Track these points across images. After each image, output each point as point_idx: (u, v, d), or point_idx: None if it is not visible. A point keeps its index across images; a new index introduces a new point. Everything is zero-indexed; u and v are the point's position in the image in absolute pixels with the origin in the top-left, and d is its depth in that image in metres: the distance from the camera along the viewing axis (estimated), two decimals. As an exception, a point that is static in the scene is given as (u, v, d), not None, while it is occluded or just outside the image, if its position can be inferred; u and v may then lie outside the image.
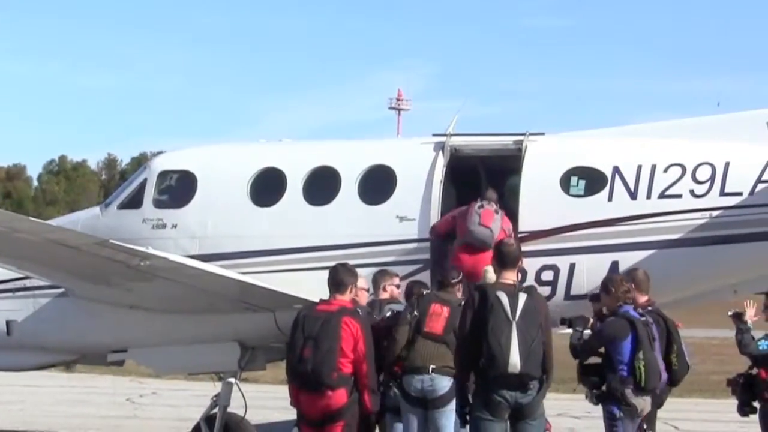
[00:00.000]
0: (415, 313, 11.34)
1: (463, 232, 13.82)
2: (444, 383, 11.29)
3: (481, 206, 13.81)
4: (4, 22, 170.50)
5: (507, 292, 10.06)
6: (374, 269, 13.26)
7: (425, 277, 13.84)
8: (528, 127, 15.07)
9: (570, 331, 12.12)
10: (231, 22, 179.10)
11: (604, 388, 11.17)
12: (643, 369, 10.94)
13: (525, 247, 13.73)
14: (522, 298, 10.08)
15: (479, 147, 14.88)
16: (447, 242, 14.13)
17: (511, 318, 9.97)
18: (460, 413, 10.50)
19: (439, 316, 11.40)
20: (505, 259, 10.34)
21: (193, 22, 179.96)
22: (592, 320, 11.65)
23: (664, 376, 11.23)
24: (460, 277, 11.86)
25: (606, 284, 11.43)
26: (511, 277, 10.26)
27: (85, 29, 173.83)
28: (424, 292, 11.88)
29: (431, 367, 11.25)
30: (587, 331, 11.66)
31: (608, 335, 11.07)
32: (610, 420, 11.10)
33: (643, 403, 11.12)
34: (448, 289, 11.71)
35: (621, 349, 11.00)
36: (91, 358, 16.08)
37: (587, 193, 14.14)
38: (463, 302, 11.49)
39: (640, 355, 10.95)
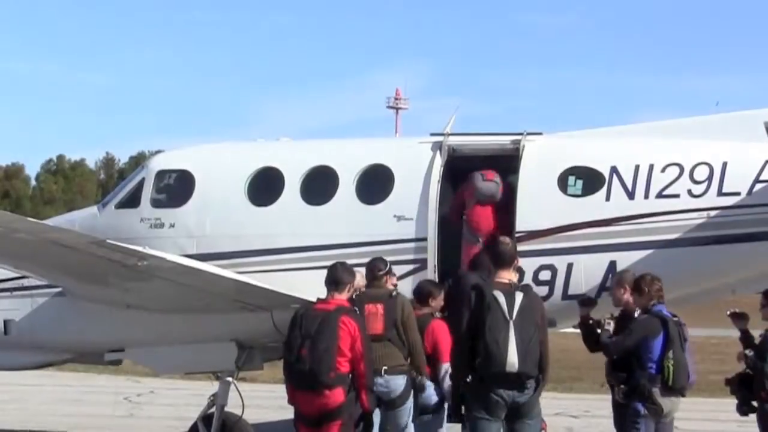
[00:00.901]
0: None
1: (471, 193, 14.11)
2: (399, 382, 11.35)
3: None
4: (2, 21, 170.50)
5: (503, 291, 10.08)
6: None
7: (424, 276, 13.88)
8: (526, 125, 15.18)
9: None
10: (229, 21, 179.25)
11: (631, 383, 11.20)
12: (671, 368, 11.03)
13: (523, 247, 13.78)
14: (519, 296, 10.10)
15: (477, 146, 14.88)
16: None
17: (508, 317, 9.99)
18: (456, 413, 10.54)
19: (375, 315, 11.46)
20: (501, 258, 10.36)
21: (191, 20, 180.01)
22: (613, 322, 11.59)
23: (693, 377, 11.27)
24: (388, 268, 11.95)
25: (638, 283, 11.46)
26: (507, 276, 10.28)
27: (84, 28, 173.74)
28: (353, 296, 11.88)
29: (383, 368, 11.29)
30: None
31: (640, 333, 11.12)
32: (633, 416, 11.14)
33: (671, 404, 11.18)
34: (376, 283, 11.73)
35: (652, 347, 11.09)
36: (88, 357, 16.09)
37: (585, 193, 14.14)
38: (394, 292, 11.53)
39: (670, 354, 11.06)
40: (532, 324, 10.08)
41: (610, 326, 11.40)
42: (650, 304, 11.31)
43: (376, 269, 11.92)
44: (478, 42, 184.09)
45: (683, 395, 11.32)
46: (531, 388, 10.09)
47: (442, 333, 11.97)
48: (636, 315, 11.57)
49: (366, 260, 13.76)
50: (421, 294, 12.34)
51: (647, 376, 11.08)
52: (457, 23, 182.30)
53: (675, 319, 11.26)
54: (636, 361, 11.16)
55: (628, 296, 11.70)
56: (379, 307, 11.40)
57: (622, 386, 11.24)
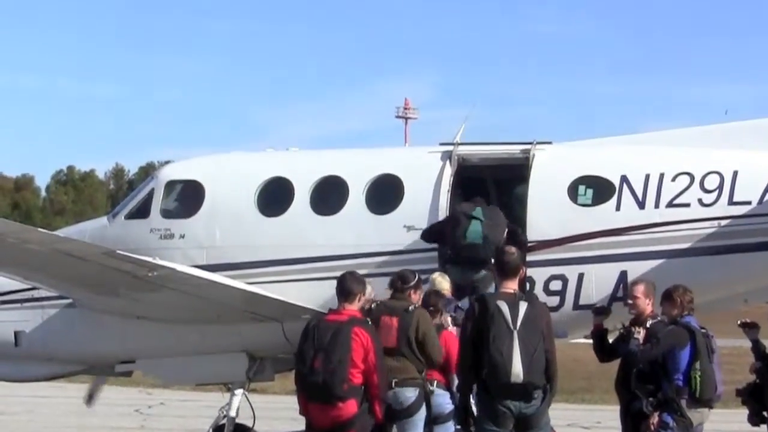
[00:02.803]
0: None
1: None
2: (408, 395, 11.29)
3: None
4: (13, 35, 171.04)
5: (507, 302, 10.09)
6: (382, 279, 13.25)
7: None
8: (536, 134, 15.11)
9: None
10: (239, 32, 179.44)
11: (659, 396, 11.23)
12: (698, 379, 11.11)
13: (533, 257, 13.83)
14: (523, 306, 10.10)
15: (487, 156, 14.88)
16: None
17: (512, 327, 10.00)
18: (463, 425, 10.53)
19: (390, 329, 11.33)
20: (505, 268, 10.35)
21: (201, 31, 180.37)
22: (643, 330, 11.57)
23: (720, 388, 11.30)
24: (417, 279, 11.82)
25: (671, 294, 11.49)
26: (511, 286, 10.28)
27: (93, 39, 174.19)
28: (372, 306, 11.74)
29: (393, 381, 11.21)
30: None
31: (668, 344, 11.13)
32: (661, 428, 11.16)
33: (699, 416, 11.24)
34: (399, 295, 11.66)
35: (679, 358, 11.17)
36: (99, 369, 16.09)
37: (595, 203, 14.12)
38: (412, 306, 11.48)
39: (698, 365, 11.14)
40: (537, 333, 10.07)
41: (640, 335, 11.37)
42: (680, 315, 11.32)
43: (399, 282, 11.79)
44: (488, 51, 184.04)
45: (711, 407, 11.32)
46: (538, 399, 10.09)
47: (453, 344, 11.96)
48: (648, 324, 11.56)
49: (376, 270, 13.85)
50: (425, 305, 12.35)
51: (674, 388, 11.07)
52: (466, 32, 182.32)
53: (703, 330, 11.28)
54: (663, 372, 11.17)
55: (640, 303, 11.69)
56: (394, 321, 11.31)
57: (650, 398, 11.22)
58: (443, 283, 12.67)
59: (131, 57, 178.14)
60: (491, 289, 13.12)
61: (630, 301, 11.82)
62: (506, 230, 13.81)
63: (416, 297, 11.82)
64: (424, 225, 14.29)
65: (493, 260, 13.24)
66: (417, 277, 11.93)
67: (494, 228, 13.73)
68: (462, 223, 13.85)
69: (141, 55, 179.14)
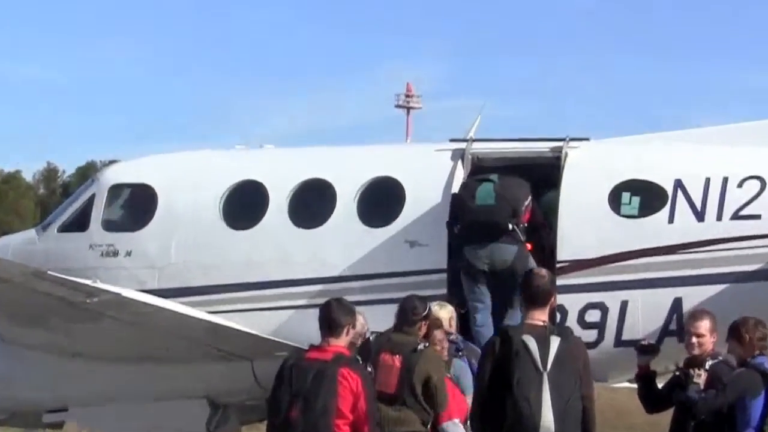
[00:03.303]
0: (369, 368, 11.12)
1: None
2: None
3: None
4: None
5: (536, 336, 10.07)
6: (376, 307, 13.31)
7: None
8: (562, 130, 15.18)
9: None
10: (207, 5, 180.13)
11: None
12: None
13: (565, 281, 13.86)
14: (554, 342, 10.09)
15: (508, 155, 14.93)
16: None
17: (541, 368, 10.00)
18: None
19: (390, 369, 11.11)
20: (533, 295, 10.30)
21: (159, 3, 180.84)
22: (704, 373, 11.53)
23: None
24: (426, 311, 11.61)
25: (738, 329, 11.45)
26: (540, 317, 10.25)
27: (19, 11, 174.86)
28: (370, 337, 11.66)
29: None
30: None
31: (736, 391, 11.13)
32: None
33: None
34: (407, 329, 11.49)
35: (750, 408, 11.11)
36: (23, 418, 16.10)
37: (643, 213, 14.18)
38: (421, 345, 11.26)
39: None
40: (571, 376, 10.08)
41: (701, 378, 11.34)
42: (750, 355, 11.29)
43: (410, 311, 11.49)
44: (505, 27, 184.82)
45: None
46: (572, 456, 10.09)
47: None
48: (707, 365, 11.53)
49: (370, 297, 13.85)
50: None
51: None
52: (478, 8, 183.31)
53: None
54: (729, 425, 11.14)
55: (706, 342, 11.65)
56: (396, 360, 11.15)
57: None
58: (440, 312, 12.57)
59: (67, 35, 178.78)
60: (531, 264, 13.19)
61: (693, 340, 11.73)
62: (529, 196, 14.01)
63: (425, 329, 11.70)
64: (430, 240, 14.29)
65: (511, 226, 13.58)
66: (428, 307, 11.69)
67: (509, 188, 13.98)
68: (470, 186, 14.12)
69: (81, 34, 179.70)
